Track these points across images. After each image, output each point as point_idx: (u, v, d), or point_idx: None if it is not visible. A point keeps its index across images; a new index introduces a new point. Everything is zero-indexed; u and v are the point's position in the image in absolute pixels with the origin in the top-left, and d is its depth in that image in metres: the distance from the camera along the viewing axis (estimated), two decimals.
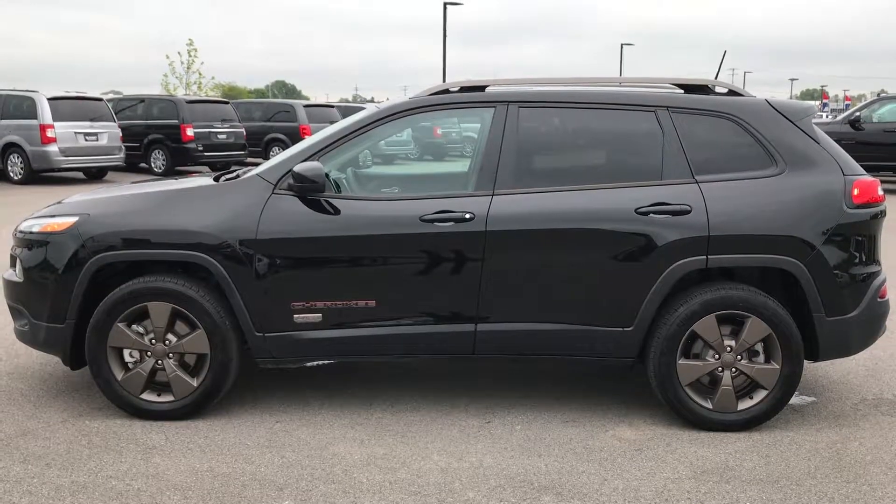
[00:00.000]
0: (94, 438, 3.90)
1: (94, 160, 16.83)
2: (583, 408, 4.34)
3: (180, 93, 34.61)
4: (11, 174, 16.23)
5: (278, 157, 4.37)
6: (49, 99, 16.06)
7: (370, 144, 4.66)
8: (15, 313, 4.38)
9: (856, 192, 4.04)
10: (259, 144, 21.40)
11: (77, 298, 4.05)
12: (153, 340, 4.07)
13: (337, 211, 4.04)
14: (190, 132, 18.68)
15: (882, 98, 16.77)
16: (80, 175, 17.85)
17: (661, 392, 4.05)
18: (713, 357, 4.01)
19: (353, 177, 4.76)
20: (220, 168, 18.27)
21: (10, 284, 4.36)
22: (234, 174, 4.58)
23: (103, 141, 16.84)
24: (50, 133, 15.83)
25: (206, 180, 4.54)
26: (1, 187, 15.60)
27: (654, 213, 3.96)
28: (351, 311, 4.04)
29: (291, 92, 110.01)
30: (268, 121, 22.14)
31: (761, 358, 4.04)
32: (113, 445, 3.82)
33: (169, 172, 18.69)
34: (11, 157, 16.18)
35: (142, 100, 20.12)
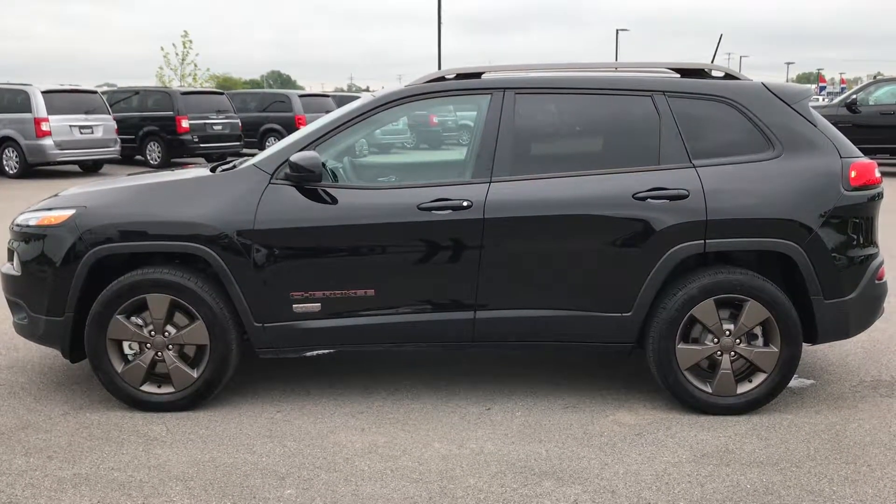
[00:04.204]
0: (94, 431, 3.91)
1: (89, 153, 16.77)
2: (582, 393, 4.36)
3: (175, 84, 34.46)
4: (7, 168, 16.18)
5: (275, 147, 4.36)
6: (43, 92, 15.98)
7: (367, 133, 4.64)
8: (13, 307, 4.38)
9: (853, 174, 4.04)
10: (255, 135, 21.32)
11: (75, 291, 4.05)
12: (152, 332, 4.07)
13: (334, 200, 4.04)
14: (185, 124, 18.61)
15: (878, 80, 16.74)
16: (76, 168, 17.80)
17: (661, 376, 4.06)
18: (712, 341, 4.02)
19: (349, 166, 4.75)
20: (216, 159, 18.22)
21: (8, 278, 4.35)
22: (231, 165, 4.57)
23: (98, 134, 16.79)
24: (45, 126, 15.77)
25: (202, 171, 4.53)
26: None
27: (652, 198, 3.96)
28: (350, 301, 4.04)
29: (287, 82, 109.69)
30: (263, 111, 22.05)
31: (760, 341, 4.05)
32: (114, 437, 3.83)
33: (165, 164, 18.62)
34: (6, 151, 16.13)
35: (136, 92, 20.03)
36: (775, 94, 4.16)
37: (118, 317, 4.04)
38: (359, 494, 3.28)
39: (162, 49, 36.47)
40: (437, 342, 4.13)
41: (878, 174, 4.16)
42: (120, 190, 4.35)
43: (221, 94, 20.98)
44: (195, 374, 4.09)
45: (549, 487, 3.34)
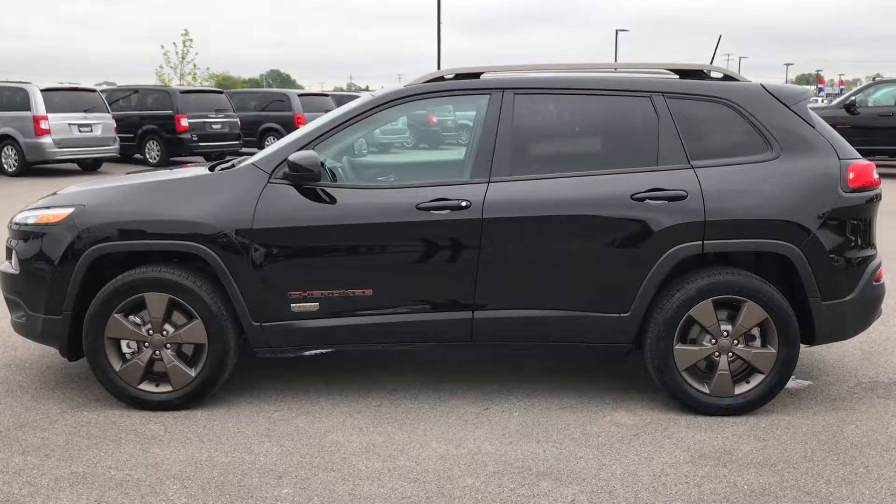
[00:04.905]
0: (92, 429, 3.91)
1: (88, 151, 16.77)
2: (580, 393, 4.36)
3: (174, 83, 34.44)
4: (6, 166, 16.17)
5: (273, 146, 4.36)
6: (42, 90, 15.98)
7: (365, 133, 4.65)
8: (12, 305, 4.38)
9: (851, 175, 4.04)
10: (254, 134, 21.32)
11: (73, 290, 4.05)
12: (150, 331, 4.07)
13: (333, 200, 4.04)
14: (184, 122, 18.61)
15: (877, 82, 16.77)
16: (75, 166, 17.79)
17: (659, 377, 4.06)
18: (710, 342, 4.02)
19: (348, 165, 4.75)
20: (214, 158, 18.21)
21: (6, 276, 4.35)
22: (230, 164, 4.57)
23: (97, 132, 16.78)
24: (44, 125, 15.76)
25: (201, 170, 4.53)
26: None
27: (651, 198, 3.96)
28: (348, 300, 4.04)
29: (286, 81, 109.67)
30: (262, 110, 22.05)
31: (758, 342, 4.05)
32: (112, 436, 3.83)
33: (164, 163, 18.61)
34: (5, 149, 16.12)
35: (136, 90, 20.02)
36: (774, 96, 4.16)
37: (116, 315, 4.04)
38: (356, 494, 3.28)
39: (162, 48, 36.49)
40: (435, 342, 4.13)
41: (876, 176, 4.17)
42: (118, 189, 4.35)
43: (220, 92, 20.99)
44: (193, 373, 4.09)
45: (546, 487, 3.34)
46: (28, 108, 15.85)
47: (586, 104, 4.23)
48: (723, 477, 3.43)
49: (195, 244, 3.99)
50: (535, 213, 3.98)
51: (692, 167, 4.02)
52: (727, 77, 4.35)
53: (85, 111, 16.64)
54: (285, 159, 4.03)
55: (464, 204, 3.97)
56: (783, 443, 3.76)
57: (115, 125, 17.28)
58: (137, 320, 4.08)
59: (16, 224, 4.32)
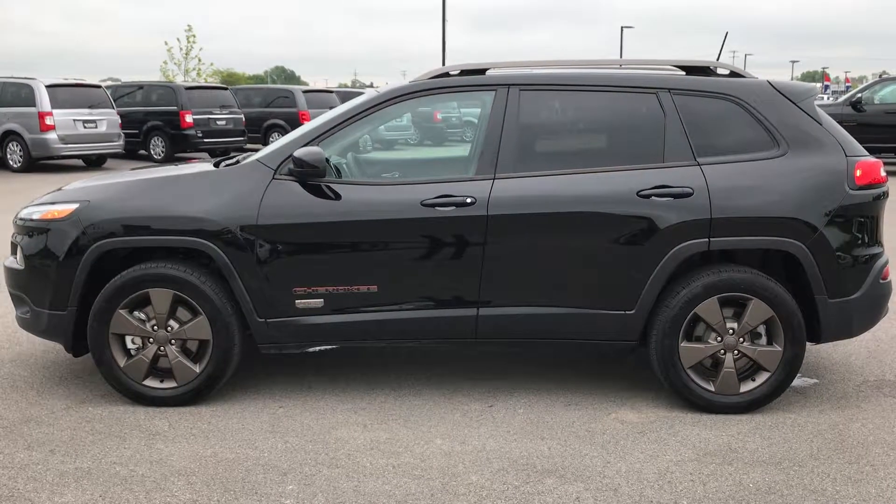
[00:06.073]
0: (97, 425, 3.91)
1: (93, 147, 16.78)
2: (585, 391, 4.35)
3: (179, 79, 34.46)
4: (10, 162, 16.18)
5: (278, 142, 4.36)
6: (47, 86, 15.99)
7: (370, 129, 4.64)
8: (16, 301, 4.38)
9: (858, 173, 4.03)
10: (258, 130, 21.35)
11: (78, 285, 4.05)
12: (155, 327, 4.07)
13: (338, 196, 4.03)
14: (189, 119, 18.63)
15: (883, 79, 16.67)
16: (80, 162, 17.81)
17: (664, 375, 4.05)
18: (715, 339, 4.01)
19: (353, 162, 4.74)
20: (219, 154, 18.24)
21: (11, 272, 4.36)
22: (234, 160, 4.57)
23: (102, 128, 16.79)
24: (49, 120, 15.78)
25: (206, 166, 4.53)
26: (0, 175, 15.57)
27: (656, 195, 3.95)
28: (352, 297, 4.03)
29: (290, 78, 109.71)
30: (267, 107, 22.07)
31: (763, 340, 4.04)
32: (116, 432, 3.83)
33: (168, 159, 18.66)
34: (10, 144, 16.13)
35: (140, 86, 20.07)
36: (781, 93, 4.14)
37: (121, 311, 4.04)
38: (360, 490, 3.28)
39: (166, 44, 36.56)
40: (439, 339, 4.13)
41: (883, 173, 4.15)
42: (123, 184, 4.35)
43: (225, 89, 21.02)
44: (197, 368, 4.09)
45: (550, 485, 3.33)
46: (33, 104, 15.86)
47: (592, 101, 4.22)
48: (728, 475, 3.42)
49: (200, 240, 3.98)
50: (541, 209, 3.97)
51: (698, 164, 4.00)
52: (734, 74, 4.33)
53: (90, 107, 16.65)
54: (290, 155, 4.02)
55: (469, 200, 3.96)
56: (789, 441, 3.75)
57: (119, 121, 17.30)
58: (142, 316, 4.09)
59: (21, 219, 4.33)
